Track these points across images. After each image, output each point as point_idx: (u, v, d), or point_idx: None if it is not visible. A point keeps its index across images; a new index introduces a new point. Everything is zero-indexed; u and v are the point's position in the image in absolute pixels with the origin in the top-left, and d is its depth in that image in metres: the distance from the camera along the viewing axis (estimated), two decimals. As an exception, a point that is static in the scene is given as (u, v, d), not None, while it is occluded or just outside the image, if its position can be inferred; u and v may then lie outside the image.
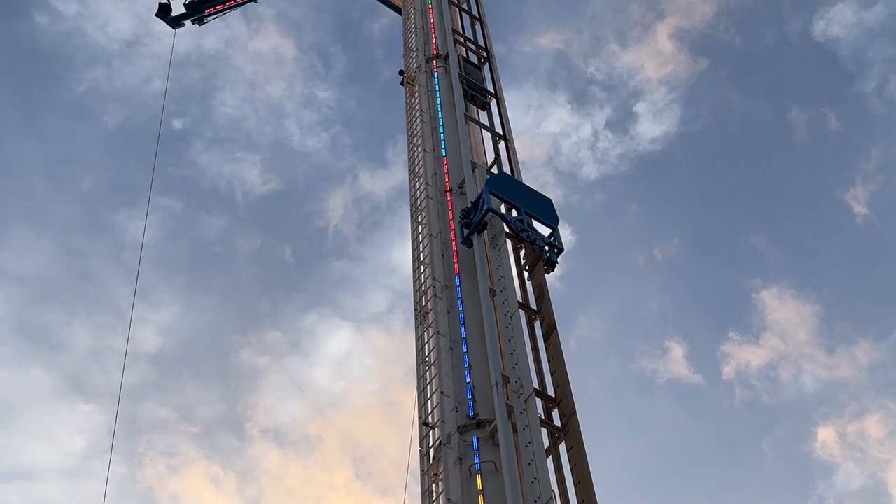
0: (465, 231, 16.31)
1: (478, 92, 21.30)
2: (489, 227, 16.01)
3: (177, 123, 49.58)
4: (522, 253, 16.35)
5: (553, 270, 15.90)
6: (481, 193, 16.52)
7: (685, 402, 46.47)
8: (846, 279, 48.04)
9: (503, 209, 16.60)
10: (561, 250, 16.00)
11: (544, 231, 16.37)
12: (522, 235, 15.98)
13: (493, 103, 21.49)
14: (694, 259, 49.98)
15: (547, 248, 15.96)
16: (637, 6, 54.07)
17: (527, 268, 16.19)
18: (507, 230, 16.14)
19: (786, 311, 47.46)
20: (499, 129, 20.57)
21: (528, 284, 16.34)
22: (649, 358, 46.93)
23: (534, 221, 16.51)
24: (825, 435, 44.53)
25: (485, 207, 16.05)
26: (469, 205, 16.77)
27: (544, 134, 51.33)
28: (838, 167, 50.22)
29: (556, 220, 16.57)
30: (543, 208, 16.81)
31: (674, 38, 52.29)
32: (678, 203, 52.28)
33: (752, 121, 52.20)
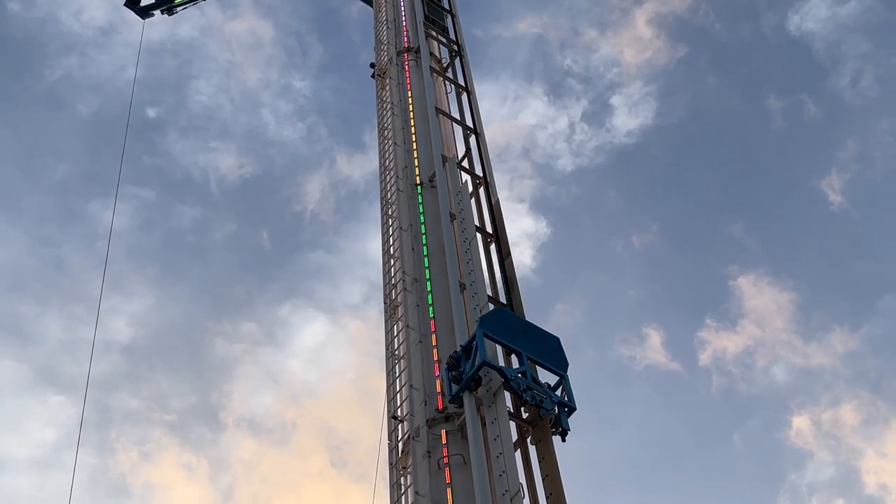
0: (454, 386, 13.15)
1: (436, 12, 20.83)
2: (484, 383, 13.09)
3: (151, 112, 49.15)
4: (523, 409, 13.48)
5: (565, 439, 13.00)
6: (473, 337, 13.19)
7: (662, 389, 46.85)
8: (822, 267, 48.70)
9: (500, 352, 13.61)
10: (573, 409, 13.09)
11: (550, 376, 13.53)
12: (526, 397, 12.91)
13: (465, 97, 21.49)
14: (672, 247, 50.40)
15: (556, 408, 13.03)
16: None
17: (531, 440, 13.37)
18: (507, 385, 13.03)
19: (763, 299, 47.98)
20: (470, 123, 20.58)
21: (499, 278, 16.37)
22: (627, 345, 47.22)
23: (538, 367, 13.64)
24: (800, 423, 45.09)
25: (479, 360, 12.81)
26: (458, 349, 13.41)
27: (521, 125, 51.51)
28: (814, 156, 50.89)
29: (566, 366, 13.57)
30: (550, 351, 13.72)
31: (652, 23, 52.62)
32: (655, 192, 52.72)
33: (729, 112, 52.77)
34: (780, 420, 45.46)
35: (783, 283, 48.56)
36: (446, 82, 22.02)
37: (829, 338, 46.26)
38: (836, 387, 45.54)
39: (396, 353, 15.47)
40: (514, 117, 51.60)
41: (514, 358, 13.68)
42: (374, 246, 18.08)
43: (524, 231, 47.34)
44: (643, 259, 49.87)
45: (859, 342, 45.51)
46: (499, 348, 13.56)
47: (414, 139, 19.31)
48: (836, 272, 48.03)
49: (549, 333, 13.93)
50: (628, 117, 51.05)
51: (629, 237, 50.65)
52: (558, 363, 13.57)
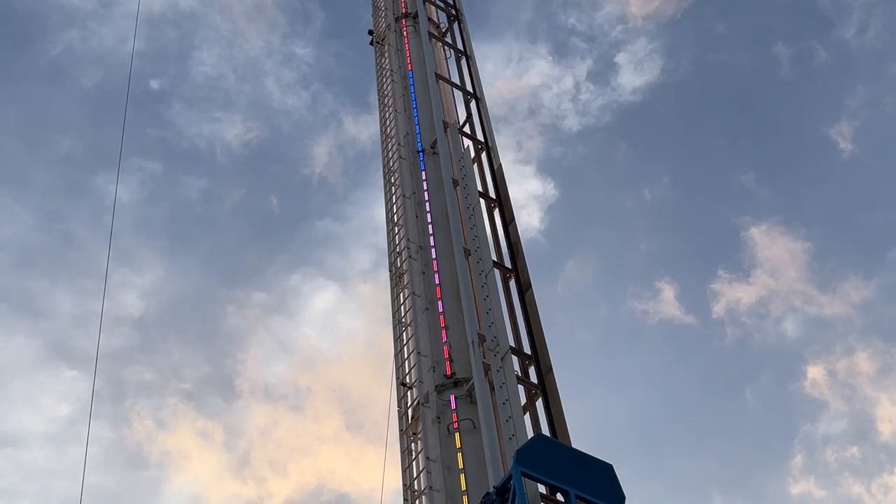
0: None
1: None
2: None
3: (154, 84, 48.93)
4: None
5: None
6: (509, 477, 10.71)
7: (676, 343, 46.83)
8: (835, 216, 48.47)
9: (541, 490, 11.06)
10: None
11: None
12: None
13: (464, 62, 21.35)
14: (683, 199, 50.10)
15: None
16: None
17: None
18: None
19: (776, 249, 47.84)
20: (470, 88, 20.46)
21: (503, 243, 16.37)
22: (640, 300, 47.21)
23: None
24: (814, 373, 45.19)
25: None
26: (491, 491, 11.00)
27: (525, 86, 51.20)
28: (823, 104, 50.49)
29: (622, 499, 11.01)
30: (602, 483, 11.05)
31: None
32: (664, 146, 52.39)
33: (736, 62, 52.29)
34: (794, 371, 45.46)
35: (796, 232, 48.29)
36: (445, 47, 21.87)
37: (844, 286, 46.14)
38: (851, 336, 45.52)
39: (403, 320, 15.54)
40: (519, 78, 51.30)
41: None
42: (382, 213, 18.07)
43: (532, 193, 47.29)
44: (654, 212, 49.67)
45: (873, 290, 45.41)
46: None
47: (414, 105, 19.23)
48: (849, 221, 47.81)
49: (599, 461, 11.31)
50: (634, 75, 50.72)
51: (640, 191, 50.41)
52: (613, 498, 10.96)
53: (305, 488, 43.87)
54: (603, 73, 51.66)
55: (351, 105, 51.72)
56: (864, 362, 44.92)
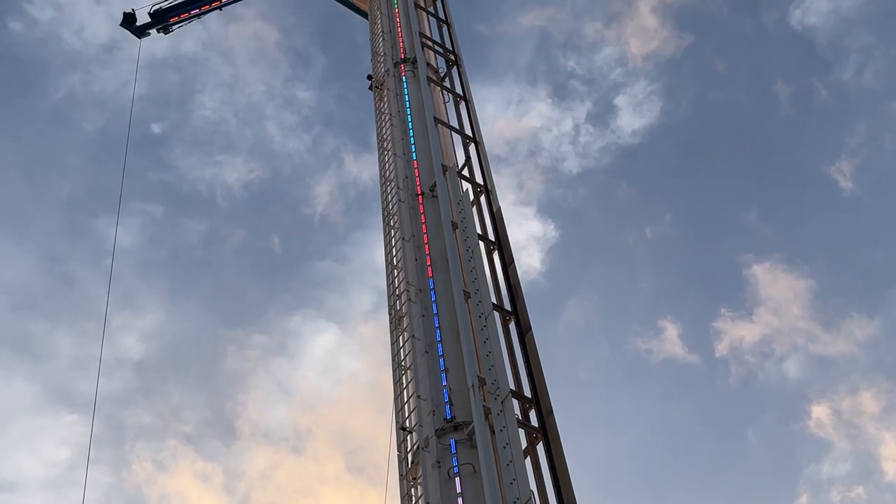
0: None
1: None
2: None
3: (155, 128, 49.30)
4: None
5: None
6: None
7: (680, 382, 46.51)
8: (837, 254, 48.39)
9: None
10: None
11: None
12: None
13: (463, 106, 21.52)
14: (685, 236, 50.12)
15: None
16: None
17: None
18: None
19: (778, 286, 47.72)
20: (469, 131, 20.61)
21: (503, 286, 16.37)
22: (643, 338, 47.02)
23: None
24: (819, 412, 44.83)
25: None
26: None
27: (525, 128, 51.59)
28: (823, 142, 50.64)
29: None
30: None
31: (657, 11, 52.61)
32: (665, 184, 52.49)
33: (735, 103, 52.58)
34: (799, 410, 45.11)
35: (799, 269, 48.24)
36: (444, 92, 22.07)
37: (848, 324, 45.94)
38: (855, 374, 45.25)
39: (403, 363, 15.47)
40: (519, 120, 51.73)
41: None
42: (382, 254, 18.10)
43: (532, 234, 47.39)
44: (656, 250, 49.64)
45: (877, 328, 45.24)
46: None
47: (413, 149, 19.35)
48: (851, 258, 47.78)
49: None
50: (633, 117, 51.14)
51: (641, 229, 50.43)
52: None
53: (307, 531, 43.40)
54: (602, 115, 52.11)
55: (352, 145, 52.05)
56: (868, 401, 44.64)
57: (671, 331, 46.71)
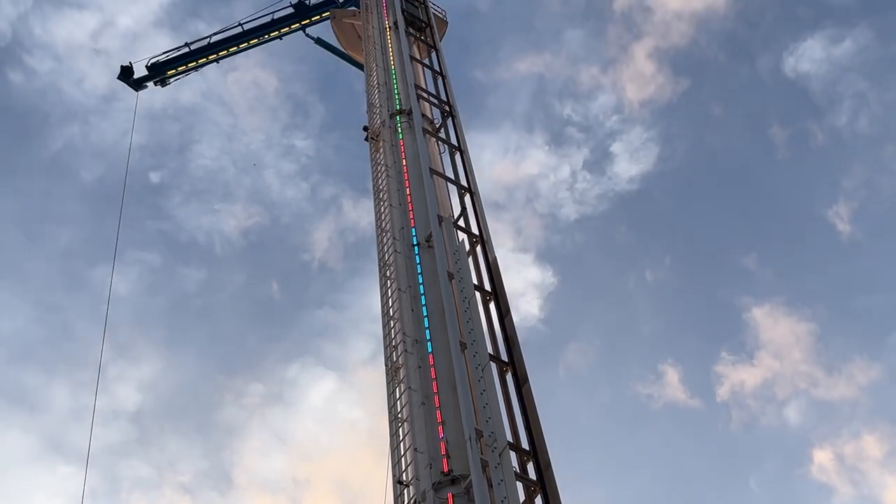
0: None
1: (416, 24, 24.04)
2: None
3: (154, 177, 49.56)
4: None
5: None
6: None
7: (681, 427, 46.21)
8: (836, 297, 48.46)
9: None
10: None
11: None
12: None
13: (458, 156, 21.66)
14: (684, 280, 50.22)
15: None
16: (613, 28, 55.00)
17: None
18: None
19: (779, 330, 47.68)
20: (464, 182, 20.71)
21: (499, 336, 16.32)
22: (644, 383, 46.75)
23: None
24: (821, 457, 44.40)
25: None
26: None
27: (523, 175, 51.92)
28: (821, 185, 50.99)
29: None
30: None
31: (653, 57, 53.27)
32: (664, 229, 52.87)
33: (732, 147, 53.08)
34: (801, 454, 44.75)
35: (799, 312, 48.29)
36: (439, 143, 22.21)
37: (850, 368, 45.78)
38: (857, 419, 44.95)
39: (399, 416, 15.35)
40: (517, 166, 52.10)
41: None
42: (379, 303, 18.04)
43: (531, 282, 47.44)
44: (656, 294, 49.73)
45: (879, 372, 45.07)
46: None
47: (409, 200, 19.41)
48: (851, 302, 47.86)
49: None
50: (630, 164, 51.55)
51: (641, 272, 50.56)
52: None
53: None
54: (599, 161, 52.55)
55: (350, 191, 52.36)
56: (871, 445, 44.28)
57: (672, 375, 46.52)
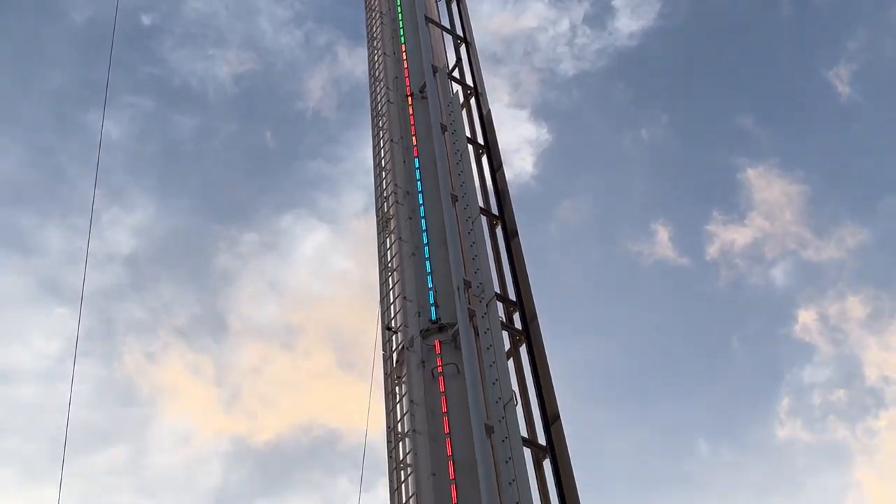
0: None
1: None
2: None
3: (145, 19, 48.15)
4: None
5: None
6: None
7: (669, 285, 46.88)
8: (831, 160, 48.21)
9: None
10: None
11: None
12: None
13: (455, 5, 21.08)
14: (680, 140, 49.79)
15: None
16: None
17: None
18: None
19: (772, 191, 47.71)
20: (460, 31, 20.24)
21: (490, 189, 16.37)
22: (634, 241, 47.18)
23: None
24: (806, 317, 45.41)
25: None
26: None
27: (521, 28, 50.66)
28: (823, 45, 49.94)
29: None
30: None
31: None
32: (662, 87, 51.91)
33: (734, 4, 51.63)
34: (785, 314, 45.64)
35: (792, 175, 48.11)
36: (436, -10, 21.54)
37: (839, 231, 46.11)
38: (843, 281, 45.66)
39: (390, 265, 15.58)
40: (515, 18, 50.73)
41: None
42: (371, 155, 17.97)
43: (525, 138, 47.06)
44: (651, 154, 49.31)
45: (868, 236, 45.46)
46: None
47: (403, 49, 19.03)
48: (846, 166, 47.58)
49: None
50: (630, 19, 50.24)
51: (637, 131, 50.03)
52: None
53: (296, 424, 44.41)
54: (599, 16, 51.20)
55: (345, 38, 50.96)
56: (855, 307, 45.23)
57: (663, 234, 46.94)
